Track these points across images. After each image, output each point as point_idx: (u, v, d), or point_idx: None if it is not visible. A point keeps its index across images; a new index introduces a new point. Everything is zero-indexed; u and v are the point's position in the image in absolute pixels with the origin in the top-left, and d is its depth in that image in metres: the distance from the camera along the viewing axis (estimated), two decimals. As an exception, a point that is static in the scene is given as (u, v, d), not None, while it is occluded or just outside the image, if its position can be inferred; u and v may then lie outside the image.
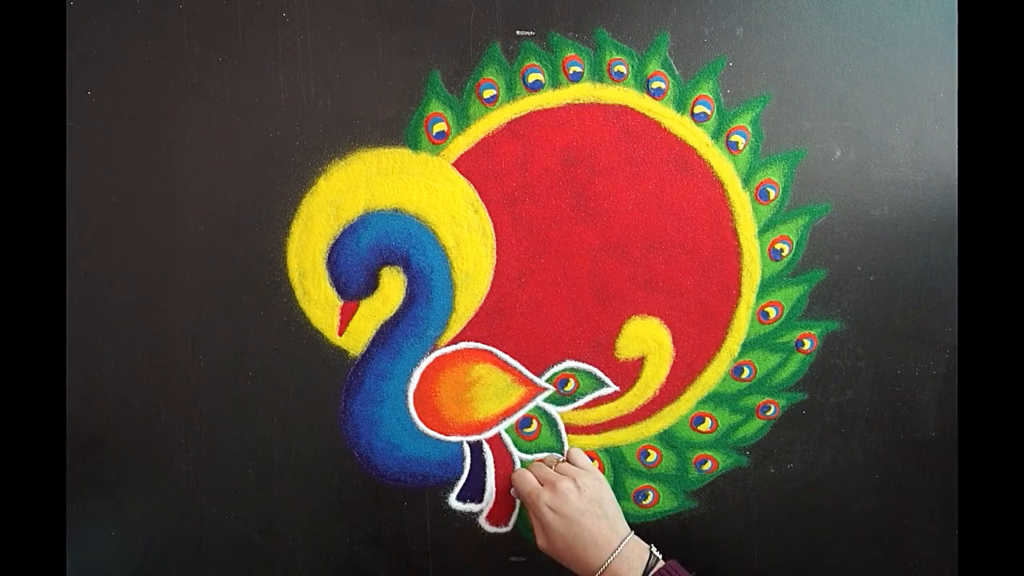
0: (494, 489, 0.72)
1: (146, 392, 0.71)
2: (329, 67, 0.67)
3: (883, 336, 0.71)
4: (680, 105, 0.68)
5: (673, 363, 0.71)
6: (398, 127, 0.68)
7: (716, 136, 0.68)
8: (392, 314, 0.70)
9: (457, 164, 0.68)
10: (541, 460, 0.71)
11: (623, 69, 0.67)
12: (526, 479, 0.67)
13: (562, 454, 0.72)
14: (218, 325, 0.70)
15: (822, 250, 0.69)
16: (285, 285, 0.69)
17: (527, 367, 0.71)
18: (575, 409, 0.72)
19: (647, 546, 0.64)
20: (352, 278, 0.69)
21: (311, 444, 0.71)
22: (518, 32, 0.67)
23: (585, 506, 0.63)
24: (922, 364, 0.71)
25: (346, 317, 0.70)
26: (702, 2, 0.67)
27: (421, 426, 0.71)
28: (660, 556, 0.63)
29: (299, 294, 0.69)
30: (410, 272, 0.69)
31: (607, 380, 0.71)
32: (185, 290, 0.69)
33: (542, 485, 0.66)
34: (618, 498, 0.72)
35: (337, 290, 0.69)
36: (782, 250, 0.69)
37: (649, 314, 0.70)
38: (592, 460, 0.72)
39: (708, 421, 0.71)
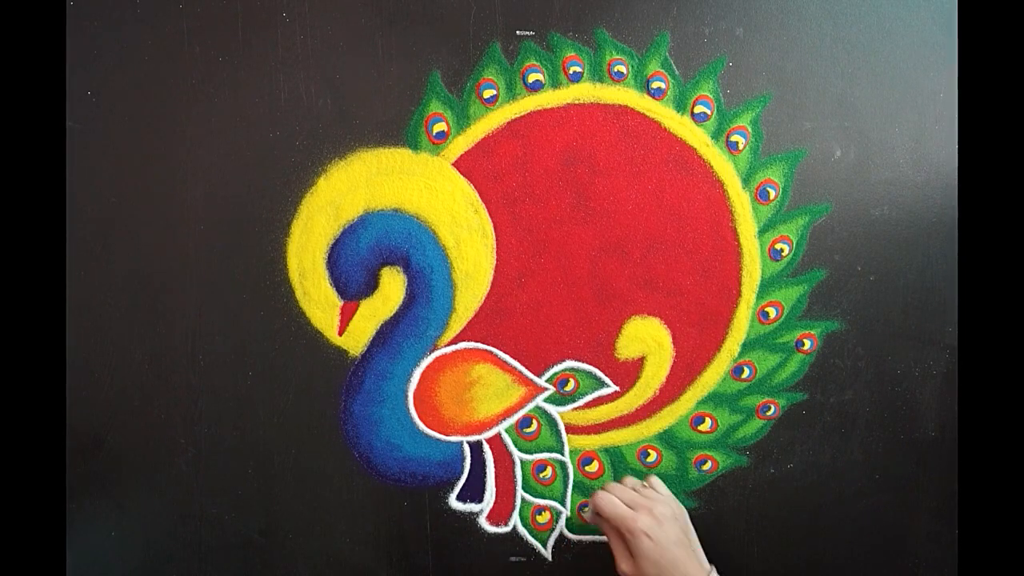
0: (494, 489, 0.72)
1: (146, 392, 0.71)
2: (329, 67, 0.67)
3: (883, 336, 0.70)
4: (680, 105, 0.68)
5: (673, 363, 0.71)
6: (398, 127, 0.68)
7: (716, 136, 0.68)
8: (392, 314, 0.70)
9: (457, 164, 0.68)
10: (620, 483, 0.67)
11: (623, 69, 0.67)
12: (614, 503, 0.63)
13: (563, 454, 0.72)
14: (218, 325, 0.70)
15: (822, 250, 0.69)
16: (285, 285, 0.69)
17: (527, 367, 0.71)
18: (575, 409, 0.72)
19: None
20: (352, 278, 0.69)
21: (311, 444, 0.71)
22: (518, 32, 0.67)
23: (678, 536, 0.62)
24: (922, 364, 0.71)
25: (346, 317, 0.70)
26: (702, 2, 0.67)
27: (421, 426, 0.71)
28: None
29: (299, 294, 0.69)
30: (410, 272, 0.69)
31: (607, 380, 0.71)
32: (185, 290, 0.69)
33: (635, 509, 0.62)
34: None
35: (337, 290, 0.69)
36: (782, 250, 0.69)
37: (649, 314, 0.70)
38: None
39: (708, 421, 0.71)
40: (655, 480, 0.69)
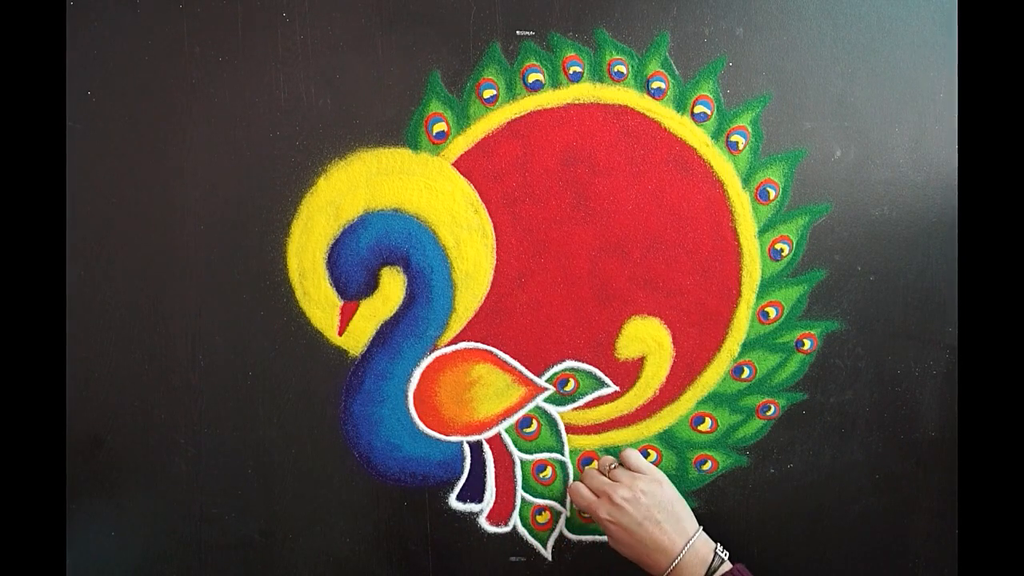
0: (494, 489, 0.72)
1: (146, 392, 0.71)
2: (329, 67, 0.67)
3: (883, 336, 0.70)
4: (680, 105, 0.68)
5: (673, 363, 0.71)
6: (398, 127, 0.68)
7: (716, 136, 0.68)
8: (392, 314, 0.70)
9: (457, 164, 0.68)
10: (594, 467, 0.70)
11: (623, 69, 0.67)
12: (581, 494, 0.67)
13: (563, 454, 0.72)
14: (218, 325, 0.70)
15: (822, 250, 0.69)
16: (285, 285, 0.69)
17: (527, 367, 0.71)
18: (575, 409, 0.72)
19: (712, 546, 0.64)
20: (352, 278, 0.69)
21: (311, 444, 0.71)
22: (518, 32, 0.67)
23: (643, 515, 0.64)
24: (922, 364, 0.71)
25: (346, 317, 0.70)
26: (702, 2, 0.67)
27: (421, 426, 0.71)
28: (725, 556, 0.63)
29: (299, 294, 0.69)
30: (410, 272, 0.69)
31: (607, 380, 0.71)
32: (185, 290, 0.69)
33: (598, 496, 0.66)
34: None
35: (337, 290, 0.69)
36: (782, 250, 0.69)
37: (649, 314, 0.70)
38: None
39: (708, 421, 0.71)
40: (628, 454, 0.70)
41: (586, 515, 0.70)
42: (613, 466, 0.69)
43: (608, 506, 0.65)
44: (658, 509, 0.64)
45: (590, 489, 0.67)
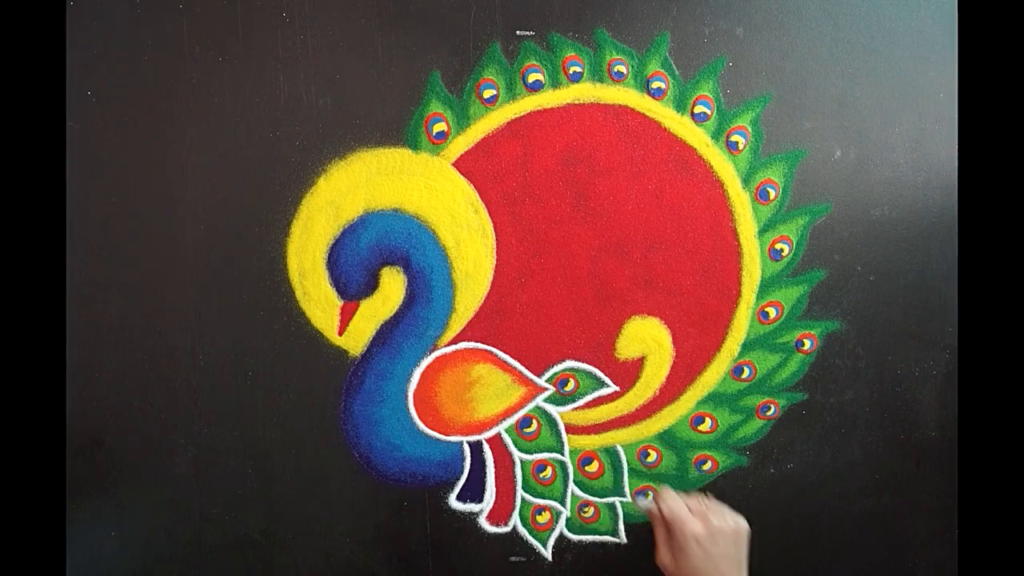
0: (494, 489, 0.72)
1: (146, 392, 0.71)
2: (329, 67, 0.67)
3: (883, 336, 0.70)
4: (680, 105, 0.68)
5: (673, 363, 0.71)
6: (398, 127, 0.68)
7: (716, 136, 0.68)
8: (392, 314, 0.70)
9: (457, 164, 0.68)
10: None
11: (623, 69, 0.67)
12: (679, 503, 0.63)
13: (563, 454, 0.72)
14: (218, 325, 0.70)
15: (822, 250, 0.69)
16: (285, 285, 0.69)
17: (527, 367, 0.71)
18: (575, 409, 0.72)
19: None
20: (352, 278, 0.69)
21: (311, 444, 0.71)
22: (518, 32, 0.67)
23: (728, 550, 0.61)
24: (922, 364, 0.71)
25: (346, 317, 0.70)
26: (702, 2, 0.67)
27: (421, 426, 0.71)
28: None
29: (299, 294, 0.69)
30: (410, 272, 0.69)
31: (607, 380, 0.71)
32: (185, 290, 0.69)
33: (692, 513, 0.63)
34: (618, 497, 0.73)
35: (337, 290, 0.69)
36: (782, 250, 0.69)
37: (649, 314, 0.70)
38: (592, 460, 0.72)
39: (708, 421, 0.71)
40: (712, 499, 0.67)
41: (641, 505, 0.67)
42: (708, 496, 0.66)
43: (702, 527, 0.61)
44: (739, 549, 0.62)
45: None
